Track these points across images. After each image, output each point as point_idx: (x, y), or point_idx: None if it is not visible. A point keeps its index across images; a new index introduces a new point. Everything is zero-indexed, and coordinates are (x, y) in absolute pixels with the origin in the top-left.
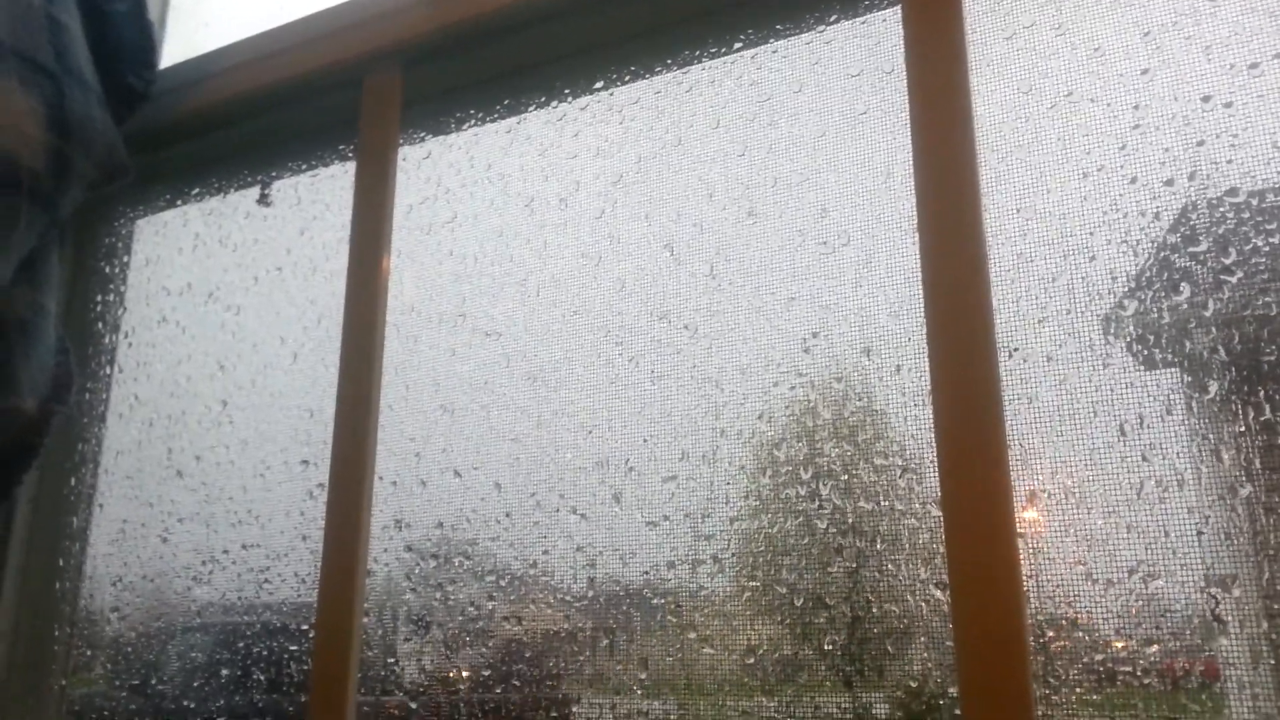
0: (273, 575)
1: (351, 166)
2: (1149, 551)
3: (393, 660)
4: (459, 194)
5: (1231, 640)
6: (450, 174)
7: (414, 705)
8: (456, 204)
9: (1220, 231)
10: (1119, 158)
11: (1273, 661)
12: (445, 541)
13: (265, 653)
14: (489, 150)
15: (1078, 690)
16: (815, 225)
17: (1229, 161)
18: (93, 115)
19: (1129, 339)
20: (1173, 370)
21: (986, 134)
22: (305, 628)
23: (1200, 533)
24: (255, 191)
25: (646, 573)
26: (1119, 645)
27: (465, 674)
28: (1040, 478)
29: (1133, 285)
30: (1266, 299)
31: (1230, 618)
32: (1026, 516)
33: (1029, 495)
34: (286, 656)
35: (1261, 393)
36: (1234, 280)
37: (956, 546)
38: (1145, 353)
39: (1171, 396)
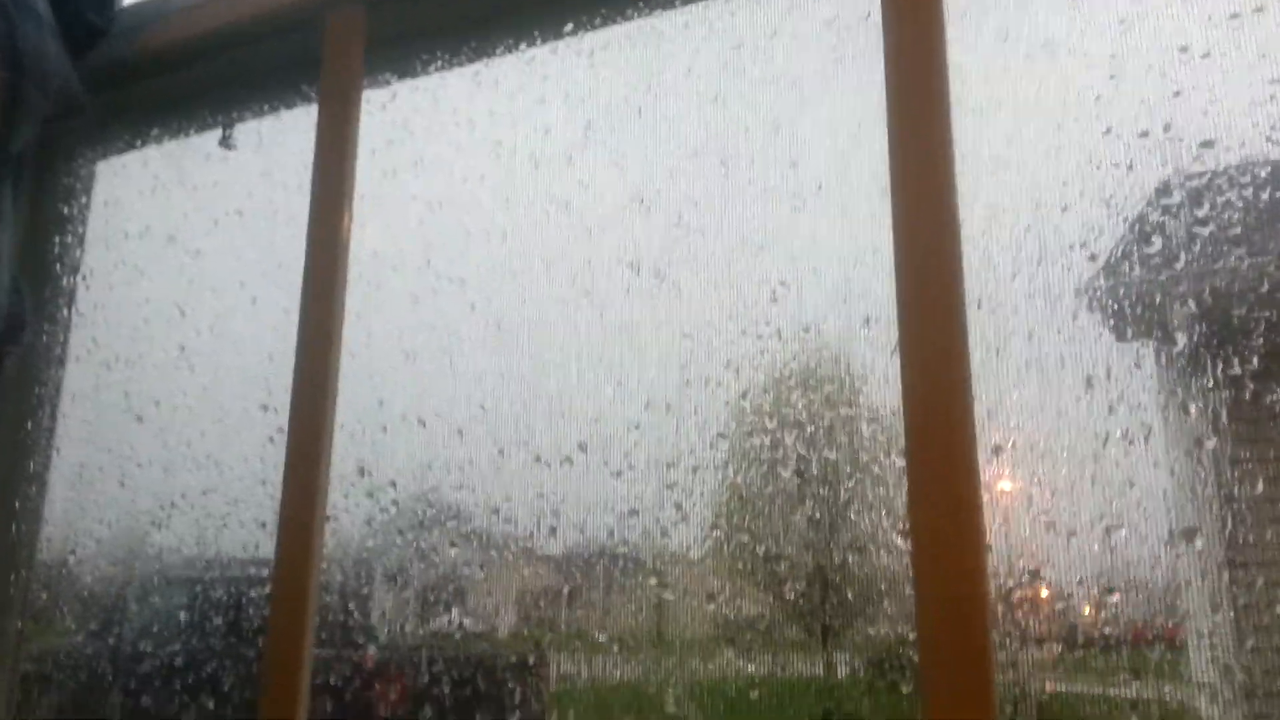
0: (232, 521)
1: (314, 109)
2: (1114, 504)
3: (353, 606)
4: (424, 138)
5: (1193, 592)
6: (415, 117)
7: (373, 650)
8: (422, 148)
9: (1194, 185)
10: (1094, 108)
11: (1232, 613)
12: (406, 488)
13: (224, 598)
14: (455, 94)
15: (1036, 638)
16: (787, 174)
17: (1204, 114)
18: (46, 49)
19: (1099, 292)
20: (1142, 324)
21: (962, 83)
22: (265, 573)
23: (1165, 486)
24: (217, 134)
25: (609, 521)
26: (1080, 595)
27: (425, 623)
28: (1007, 430)
29: (1105, 238)
30: (1238, 252)
31: (1193, 569)
32: (991, 468)
33: (994, 448)
34: (245, 601)
35: (1230, 347)
36: (1206, 233)
37: (920, 496)
38: (1115, 306)
39: (1140, 350)
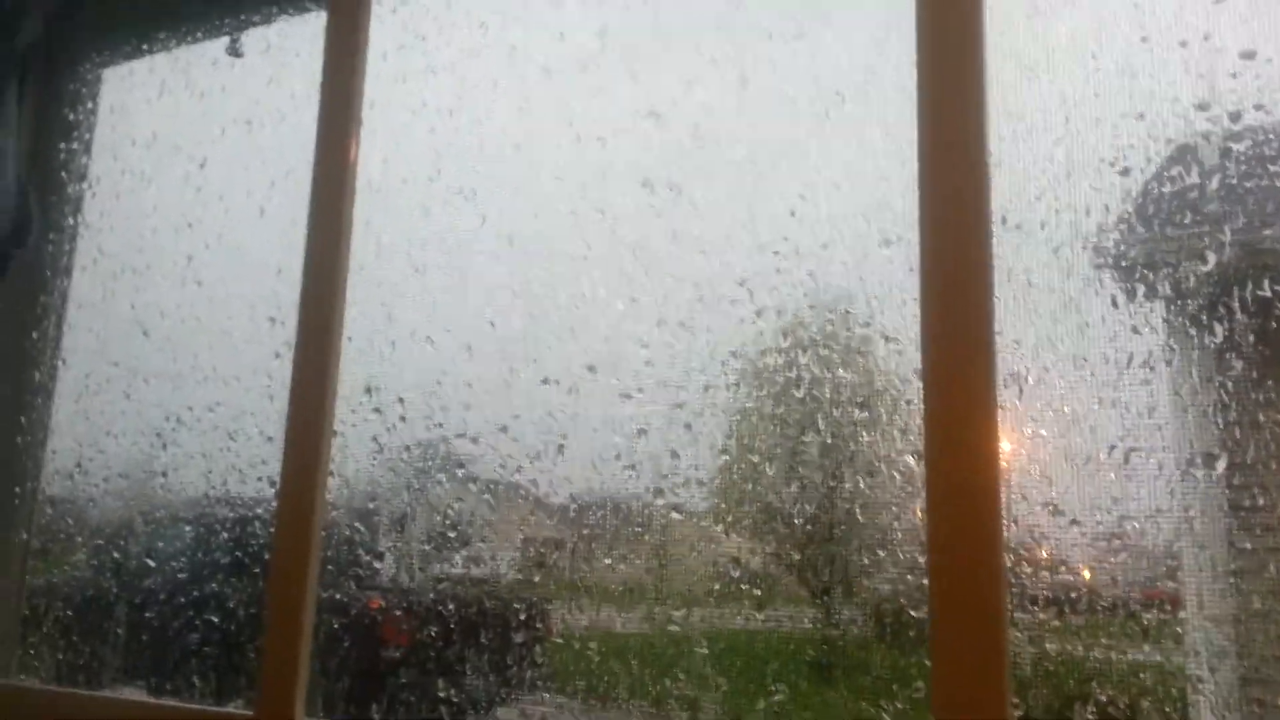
0: (239, 436)
1: (324, 14)
2: (1133, 428)
3: (360, 526)
4: (436, 42)
5: (1209, 519)
6: (427, 21)
7: (379, 567)
8: (433, 54)
9: (1233, 98)
10: (1132, 14)
11: (1248, 544)
12: (414, 405)
13: (230, 513)
14: None
15: (1048, 559)
16: (808, 84)
17: (1246, 22)
18: None
19: (1129, 209)
20: (1171, 243)
21: None
22: (272, 490)
23: (1186, 410)
24: (225, 40)
25: (618, 441)
26: (1095, 519)
27: (429, 543)
28: (1027, 349)
29: (1137, 153)
30: (1274, 169)
31: (1210, 495)
32: (1009, 388)
33: (1013, 370)
34: (252, 516)
35: (1261, 267)
36: (1242, 149)
37: (935, 416)
38: (1144, 224)
39: (1168, 270)
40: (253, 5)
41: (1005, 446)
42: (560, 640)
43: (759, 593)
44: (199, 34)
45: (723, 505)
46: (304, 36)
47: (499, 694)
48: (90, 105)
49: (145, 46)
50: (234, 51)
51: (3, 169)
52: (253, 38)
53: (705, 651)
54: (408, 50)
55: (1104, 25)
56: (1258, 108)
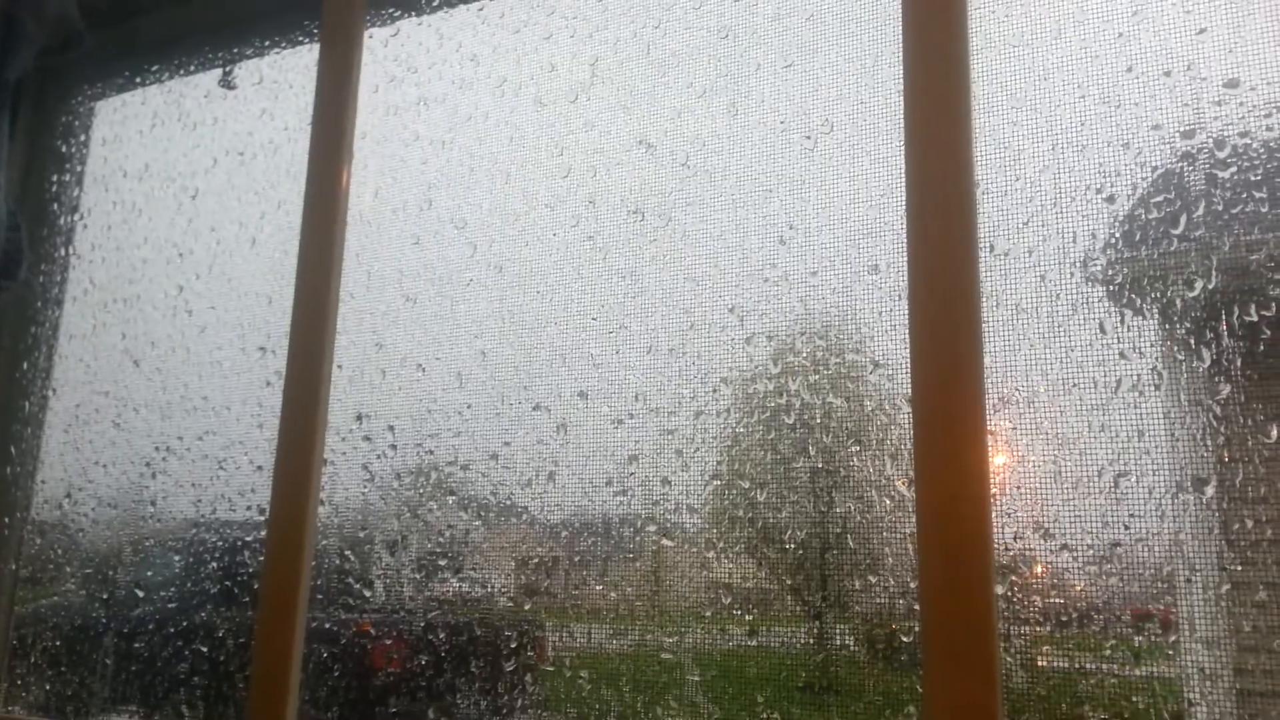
0: (229, 465)
1: (317, 46)
2: (1121, 452)
3: (349, 554)
4: (427, 75)
5: (1199, 543)
6: (419, 54)
7: (368, 595)
8: (424, 86)
9: (1217, 125)
10: (1116, 45)
11: (1239, 567)
12: (405, 432)
13: (220, 542)
14: (460, 29)
15: (1038, 581)
16: (797, 113)
17: (1230, 51)
18: None
19: (1115, 235)
20: (1158, 269)
21: (979, 18)
22: (262, 518)
23: (1174, 434)
24: (217, 72)
25: (609, 468)
26: (1085, 544)
27: (420, 568)
28: (1016, 374)
29: (1123, 181)
30: (1259, 195)
31: (1200, 519)
32: (999, 413)
33: (1002, 396)
34: (241, 545)
35: (1248, 291)
36: (1227, 176)
37: (925, 441)
38: (1131, 250)
39: (1156, 295)
40: (245, 38)
41: (995, 470)
42: (551, 667)
43: (751, 618)
44: (191, 66)
45: (714, 531)
46: (296, 69)
47: (490, 712)
48: (82, 137)
49: (137, 79)
50: (226, 84)
51: None
52: (245, 70)
53: (697, 679)
54: (399, 82)
55: (1089, 55)
56: (1242, 135)
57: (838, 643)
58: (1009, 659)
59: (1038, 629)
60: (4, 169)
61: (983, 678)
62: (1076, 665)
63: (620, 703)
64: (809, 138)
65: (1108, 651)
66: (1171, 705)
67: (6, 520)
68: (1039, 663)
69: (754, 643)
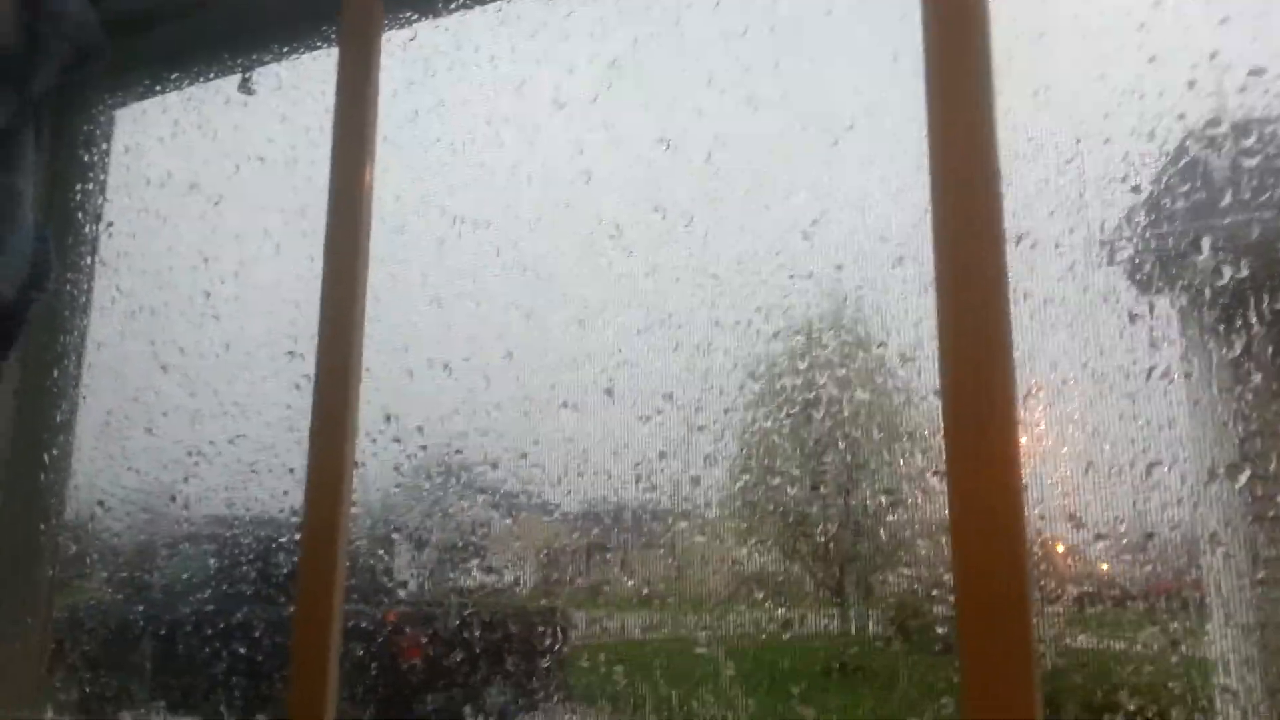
0: (260, 468)
1: (335, 51)
2: (1153, 441)
3: (383, 552)
4: (446, 78)
5: (1233, 530)
6: (437, 57)
7: (402, 594)
8: (444, 89)
9: (1242, 114)
10: (1139, 36)
11: (1273, 552)
12: (433, 434)
13: (253, 544)
14: (478, 32)
15: (1071, 574)
16: (819, 109)
17: (1254, 40)
18: None
19: (1142, 225)
20: (1186, 258)
21: (1000, 10)
22: (295, 519)
23: (1206, 422)
24: (236, 78)
25: (638, 465)
26: (1119, 531)
27: (452, 567)
28: (1045, 365)
29: (1147, 171)
30: None
31: (1234, 508)
32: (1029, 404)
33: (1033, 386)
34: (275, 547)
35: (1277, 279)
36: (1253, 164)
37: (956, 433)
38: (1159, 239)
39: (1184, 284)
40: (263, 43)
41: (1026, 461)
42: (584, 663)
43: (783, 611)
44: (210, 73)
45: (745, 526)
46: (315, 74)
47: (521, 705)
48: (104, 146)
49: (157, 86)
50: (246, 89)
51: (22, 215)
52: (264, 75)
53: (732, 673)
54: (418, 86)
55: (1112, 46)
56: (1267, 122)
57: (872, 634)
58: (1045, 646)
59: (1073, 615)
60: (31, 183)
61: (1019, 665)
62: (1112, 651)
63: (654, 694)
64: (831, 131)
65: (1143, 638)
66: (1206, 690)
67: (41, 526)
68: (1074, 649)
69: (787, 634)
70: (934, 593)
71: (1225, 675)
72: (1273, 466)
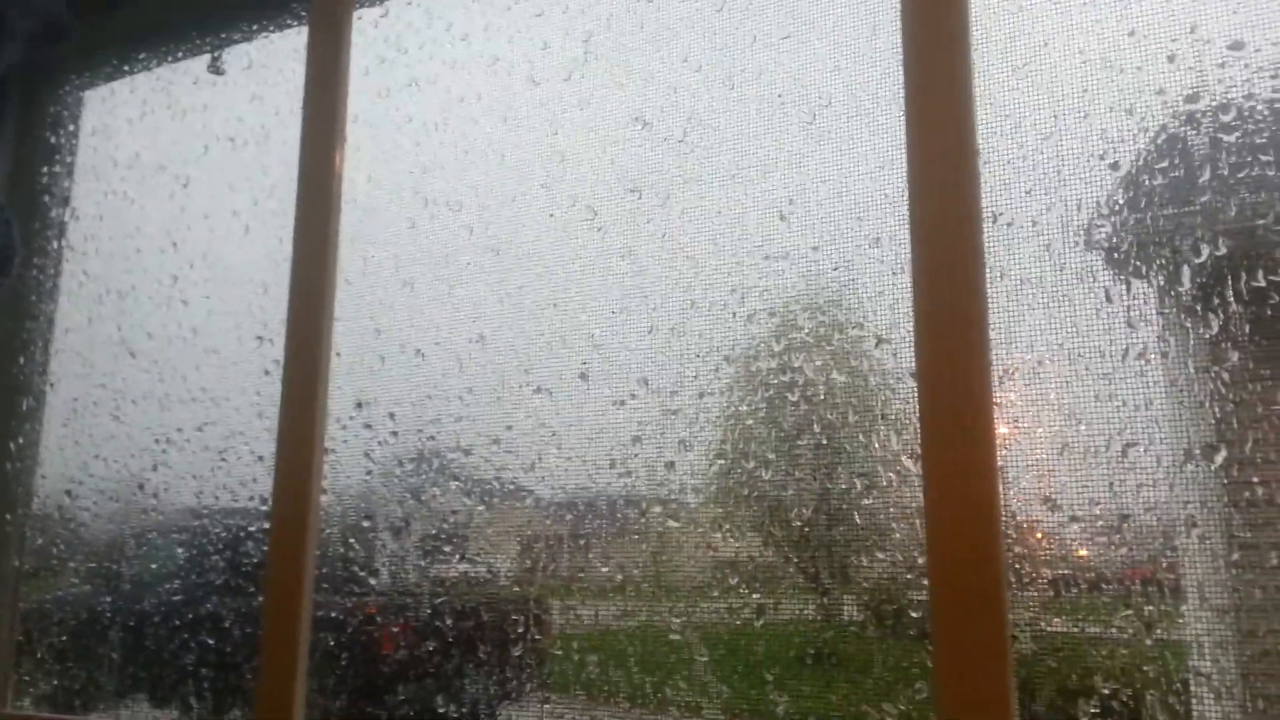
0: (229, 455)
1: (305, 29)
2: (1129, 421)
3: (353, 541)
4: (418, 56)
5: (1209, 511)
6: (409, 34)
7: (374, 583)
8: (416, 67)
9: (1222, 89)
10: (1117, 9)
11: (1248, 534)
12: (405, 419)
13: (223, 532)
14: (449, 8)
15: (1046, 556)
16: (796, 86)
17: (1234, 13)
18: None
19: (1119, 203)
20: (1164, 236)
21: None
22: (264, 508)
23: (1182, 402)
24: (206, 58)
25: (612, 450)
26: (1094, 513)
27: (424, 555)
28: (1021, 345)
29: (1126, 147)
30: (1265, 158)
31: (1210, 488)
32: (1004, 385)
33: (1008, 367)
34: (244, 536)
35: (1255, 257)
36: (1232, 139)
37: (931, 415)
38: (1136, 218)
39: (1161, 262)
40: (233, 23)
41: (1002, 443)
42: (559, 651)
43: (757, 596)
44: (179, 53)
45: (720, 511)
46: (285, 52)
47: (498, 697)
48: (72, 128)
49: (126, 67)
50: (215, 69)
51: None
52: (234, 55)
53: (705, 659)
54: (390, 64)
55: (1090, 20)
56: (1247, 97)
57: (846, 620)
58: (1019, 630)
59: (1047, 599)
60: None
61: (993, 649)
62: (1086, 634)
63: (627, 682)
64: (808, 109)
65: (1118, 621)
66: (1180, 673)
67: (8, 516)
68: (1048, 633)
69: (761, 621)
70: (909, 577)
71: (1200, 658)
72: (1249, 447)
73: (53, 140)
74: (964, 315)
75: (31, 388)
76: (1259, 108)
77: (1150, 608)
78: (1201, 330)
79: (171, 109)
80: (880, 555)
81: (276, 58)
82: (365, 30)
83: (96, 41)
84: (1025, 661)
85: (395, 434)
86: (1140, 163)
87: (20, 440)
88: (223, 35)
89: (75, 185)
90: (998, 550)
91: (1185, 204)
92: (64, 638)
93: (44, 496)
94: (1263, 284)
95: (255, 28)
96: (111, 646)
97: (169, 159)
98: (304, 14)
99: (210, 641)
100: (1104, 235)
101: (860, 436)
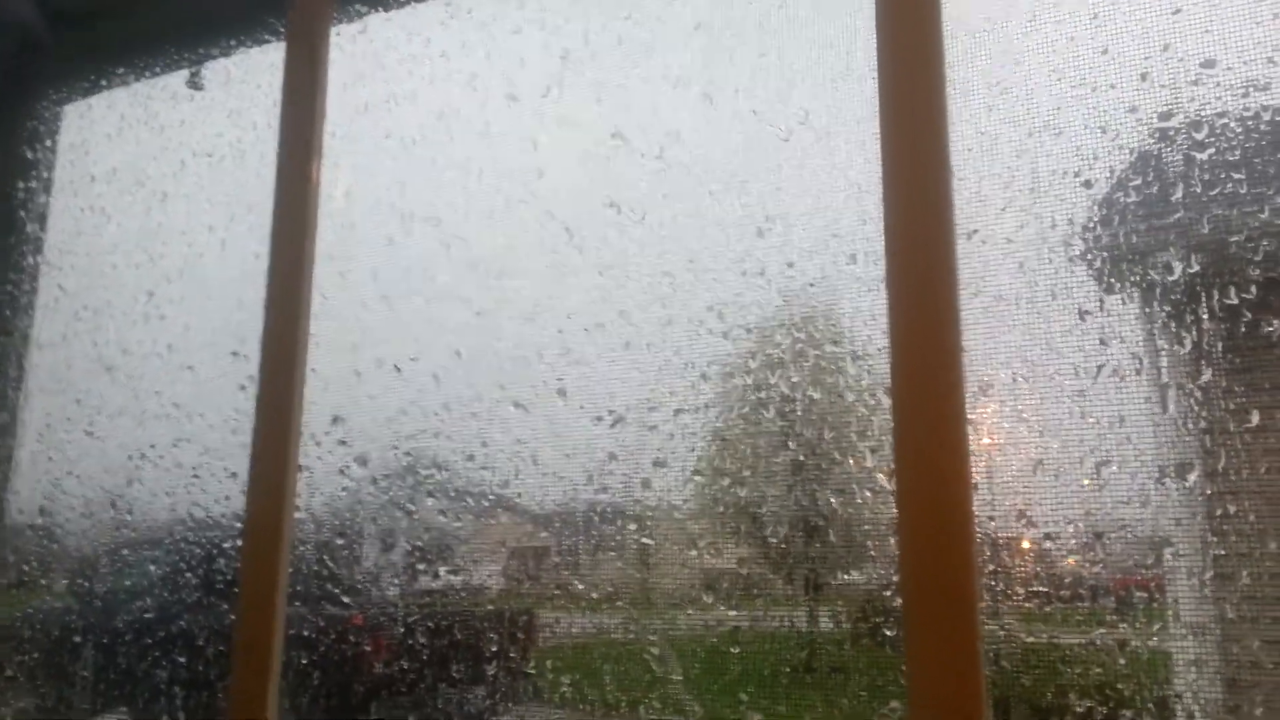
0: (204, 472)
1: (284, 45)
2: (1103, 439)
3: (327, 559)
4: (396, 72)
5: (1183, 529)
6: (387, 51)
7: (347, 600)
8: (393, 83)
9: (1194, 106)
10: (1091, 27)
11: (1223, 550)
12: (381, 435)
13: (197, 550)
14: (428, 24)
15: (1020, 574)
16: (773, 104)
17: (1206, 31)
18: None
19: (1093, 220)
20: (1137, 253)
21: (953, 3)
22: (238, 524)
23: (1156, 419)
24: (184, 73)
25: (589, 466)
26: (1069, 530)
27: (399, 572)
28: (995, 362)
29: (1100, 165)
30: (1237, 176)
31: (1184, 506)
32: (979, 402)
33: (981, 385)
34: (216, 553)
35: (1228, 274)
36: (1204, 158)
37: (905, 431)
38: (1110, 235)
39: (1135, 279)
40: (211, 38)
41: (976, 459)
42: (533, 671)
43: (734, 614)
44: (158, 68)
45: (696, 528)
46: (263, 68)
47: (469, 711)
48: (49, 143)
49: (104, 82)
50: (194, 84)
51: None
52: (212, 70)
53: (681, 677)
54: (368, 80)
55: (1064, 38)
56: (1220, 115)
57: (822, 635)
58: (992, 647)
59: (1022, 616)
60: None
61: (966, 666)
62: (1061, 652)
63: (602, 699)
64: (786, 125)
65: (1094, 639)
66: (1157, 692)
67: None
68: (1023, 650)
69: (737, 637)
70: (885, 593)
71: (1174, 675)
72: (1223, 464)
73: (29, 155)
74: (938, 332)
75: (6, 403)
76: (1231, 125)
77: (1124, 625)
78: (1175, 347)
79: (149, 124)
80: (856, 572)
81: (255, 73)
82: (344, 46)
83: (74, 56)
84: (999, 678)
85: (371, 450)
86: (1114, 180)
87: None
88: (201, 51)
89: (52, 200)
90: (971, 566)
91: (1159, 221)
92: (36, 654)
93: (17, 511)
94: (1235, 301)
95: (234, 43)
96: (84, 664)
97: (146, 174)
98: (282, 30)
99: (183, 659)
100: (1078, 253)
101: (836, 454)
